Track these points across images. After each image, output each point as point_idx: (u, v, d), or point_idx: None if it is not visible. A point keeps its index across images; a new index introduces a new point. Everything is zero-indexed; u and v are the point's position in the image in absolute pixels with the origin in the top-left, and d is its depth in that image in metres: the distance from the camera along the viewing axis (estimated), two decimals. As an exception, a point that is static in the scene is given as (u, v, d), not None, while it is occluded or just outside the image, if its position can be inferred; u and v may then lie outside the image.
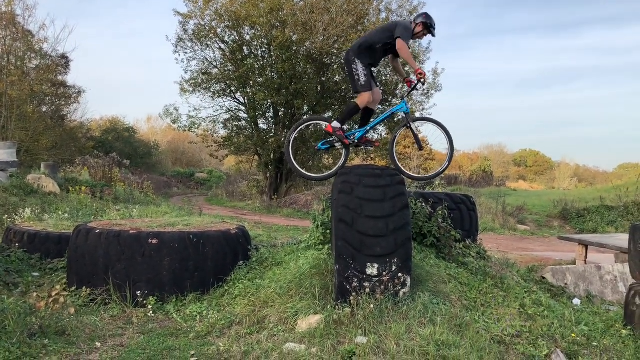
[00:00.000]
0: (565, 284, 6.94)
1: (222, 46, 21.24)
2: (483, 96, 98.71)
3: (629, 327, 4.57)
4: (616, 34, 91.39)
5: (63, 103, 27.47)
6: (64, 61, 25.88)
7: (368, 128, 5.67)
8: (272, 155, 21.79)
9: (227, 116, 22.69)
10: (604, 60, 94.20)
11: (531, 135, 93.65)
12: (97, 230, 5.48)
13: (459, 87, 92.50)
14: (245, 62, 20.46)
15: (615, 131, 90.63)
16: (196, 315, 4.96)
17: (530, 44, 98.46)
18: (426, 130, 5.64)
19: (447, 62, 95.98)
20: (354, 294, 4.34)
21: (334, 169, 5.70)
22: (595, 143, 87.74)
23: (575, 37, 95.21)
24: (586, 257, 8.52)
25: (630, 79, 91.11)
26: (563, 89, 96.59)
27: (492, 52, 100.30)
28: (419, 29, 5.51)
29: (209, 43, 21.14)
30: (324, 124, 5.64)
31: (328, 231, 5.84)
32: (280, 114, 22.00)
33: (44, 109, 25.94)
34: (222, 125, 22.83)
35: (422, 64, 21.21)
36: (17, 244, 6.81)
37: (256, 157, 23.35)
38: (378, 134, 22.12)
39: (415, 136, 5.58)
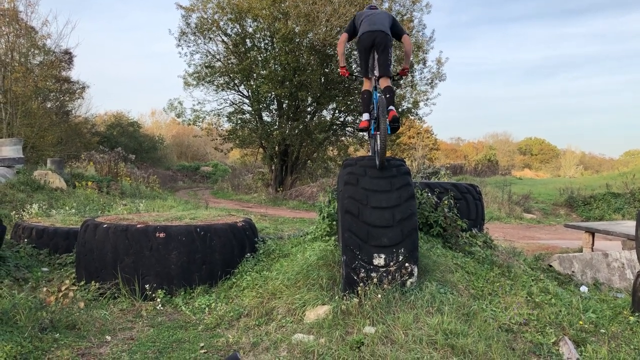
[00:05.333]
0: (572, 271, 6.94)
1: (225, 39, 21.21)
2: (487, 85, 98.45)
3: (636, 314, 4.57)
4: (622, 20, 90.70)
5: (67, 99, 27.49)
6: (68, 57, 25.88)
7: None
8: (276, 148, 21.79)
9: (231, 109, 22.72)
10: (610, 47, 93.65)
11: (536, 124, 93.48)
12: (105, 225, 5.51)
13: (463, 76, 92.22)
14: (249, 55, 20.41)
15: (621, 118, 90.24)
16: (205, 308, 5.00)
17: (534, 32, 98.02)
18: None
19: (451, 51, 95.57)
20: (361, 284, 4.36)
21: None
22: (600, 130, 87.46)
23: (581, 24, 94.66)
24: (593, 244, 8.51)
25: (636, 66, 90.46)
26: (568, 76, 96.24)
27: (496, 40, 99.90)
28: None
29: (211, 36, 21.11)
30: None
31: (334, 222, 5.86)
32: (284, 106, 21.97)
33: (49, 105, 25.97)
34: (226, 118, 22.88)
35: (426, 53, 21.15)
36: (25, 240, 6.87)
37: (261, 149, 23.35)
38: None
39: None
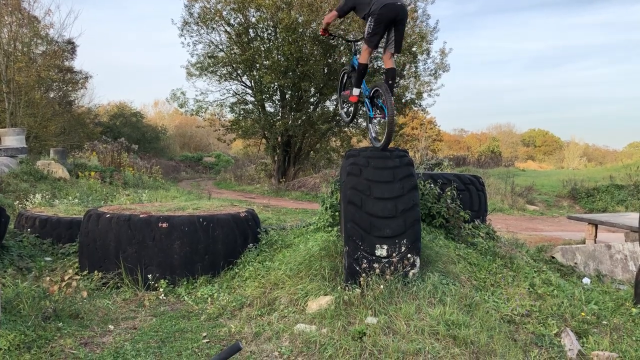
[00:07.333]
0: (575, 263, 6.93)
1: (228, 29, 21.11)
2: (492, 76, 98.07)
3: (639, 306, 4.56)
4: (631, 10, 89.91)
5: (70, 89, 27.49)
6: (70, 47, 25.81)
7: None
8: (279, 139, 21.75)
9: (234, 100, 22.65)
10: (616, 37, 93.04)
11: (540, 115, 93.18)
12: (108, 215, 5.52)
13: (468, 67, 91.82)
14: (251, 45, 20.33)
15: (625, 110, 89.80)
16: (207, 298, 5.01)
17: (541, 22, 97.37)
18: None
19: (456, 41, 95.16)
20: (363, 275, 4.36)
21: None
22: (605, 122, 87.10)
23: (589, 13, 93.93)
24: (596, 236, 8.49)
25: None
26: (573, 67, 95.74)
27: (503, 30, 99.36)
28: None
29: (214, 26, 21.02)
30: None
31: (337, 213, 5.85)
32: (287, 96, 21.90)
33: (52, 95, 25.96)
34: (229, 108, 22.81)
35: (430, 44, 21.06)
36: (29, 229, 6.88)
37: (264, 140, 23.33)
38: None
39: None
